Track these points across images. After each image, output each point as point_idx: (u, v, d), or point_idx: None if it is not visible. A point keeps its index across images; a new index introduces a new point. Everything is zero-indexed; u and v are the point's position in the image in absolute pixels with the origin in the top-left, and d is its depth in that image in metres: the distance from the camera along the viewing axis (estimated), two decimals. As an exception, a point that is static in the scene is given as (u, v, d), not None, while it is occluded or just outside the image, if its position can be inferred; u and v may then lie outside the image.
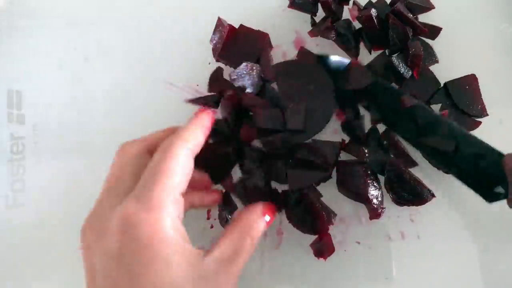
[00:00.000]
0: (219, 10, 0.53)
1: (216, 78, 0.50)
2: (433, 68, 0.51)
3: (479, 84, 0.49)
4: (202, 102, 0.46)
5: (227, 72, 0.49)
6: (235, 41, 0.49)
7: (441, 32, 0.51)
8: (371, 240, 0.48)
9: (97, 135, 0.53)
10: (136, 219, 0.32)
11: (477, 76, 0.49)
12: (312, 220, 0.45)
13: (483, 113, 0.48)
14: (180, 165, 0.36)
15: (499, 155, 0.38)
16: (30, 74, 0.55)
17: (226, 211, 0.47)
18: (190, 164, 0.38)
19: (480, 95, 0.48)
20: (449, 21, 0.52)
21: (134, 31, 0.54)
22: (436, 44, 0.51)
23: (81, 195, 0.51)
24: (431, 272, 0.47)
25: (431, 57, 0.50)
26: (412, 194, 0.44)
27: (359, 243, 0.48)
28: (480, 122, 0.48)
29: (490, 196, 0.39)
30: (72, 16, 0.56)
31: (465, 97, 0.48)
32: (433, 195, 0.44)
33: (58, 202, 0.52)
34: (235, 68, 0.48)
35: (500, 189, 0.38)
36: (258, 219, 0.39)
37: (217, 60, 0.50)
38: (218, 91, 0.47)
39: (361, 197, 0.46)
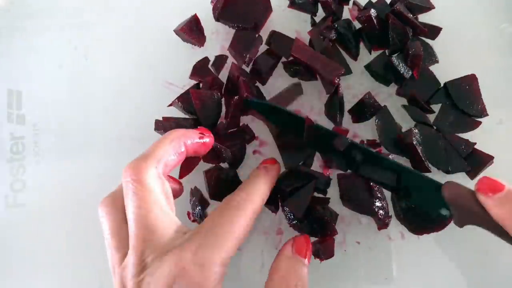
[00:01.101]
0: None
1: (200, 66, 0.51)
2: (433, 68, 0.51)
3: (479, 84, 0.49)
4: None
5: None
6: (236, 2, 0.51)
7: (441, 32, 0.51)
8: (371, 240, 0.48)
9: (97, 135, 0.53)
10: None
11: (477, 76, 0.49)
12: (318, 228, 0.45)
13: (483, 113, 0.48)
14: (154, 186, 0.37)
15: (438, 186, 0.39)
16: (30, 74, 0.55)
17: (200, 207, 0.47)
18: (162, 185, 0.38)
19: (480, 95, 0.48)
20: (449, 21, 0.52)
21: (134, 31, 0.54)
22: (436, 44, 0.51)
23: (81, 195, 0.51)
24: (431, 272, 0.47)
25: (431, 57, 0.50)
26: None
27: (359, 243, 0.48)
28: (480, 122, 0.48)
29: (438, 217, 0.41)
30: (72, 16, 0.56)
31: (465, 97, 0.48)
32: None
33: (58, 202, 0.52)
34: (234, 28, 0.50)
35: (445, 211, 0.39)
36: None
37: (217, 20, 0.51)
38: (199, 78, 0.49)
39: (367, 211, 0.46)
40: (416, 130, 0.46)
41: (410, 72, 0.48)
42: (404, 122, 0.49)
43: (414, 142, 0.45)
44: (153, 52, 0.54)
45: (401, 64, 0.48)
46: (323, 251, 0.45)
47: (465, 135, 0.48)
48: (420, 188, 0.41)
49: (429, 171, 0.45)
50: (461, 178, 0.47)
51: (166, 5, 0.55)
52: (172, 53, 0.53)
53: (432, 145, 0.46)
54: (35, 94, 0.54)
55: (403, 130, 0.48)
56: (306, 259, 0.38)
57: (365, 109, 0.48)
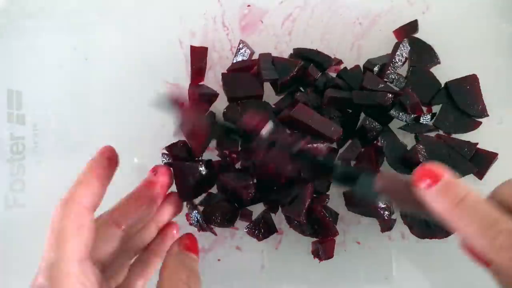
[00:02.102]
0: (222, 13, 0.53)
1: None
2: (434, 68, 0.51)
3: (479, 85, 0.49)
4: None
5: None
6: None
7: (441, 32, 0.51)
8: (371, 240, 0.48)
9: (97, 135, 0.53)
10: None
11: (477, 76, 0.49)
12: (318, 228, 0.46)
13: (483, 113, 0.48)
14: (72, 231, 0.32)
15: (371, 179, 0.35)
16: (30, 74, 0.55)
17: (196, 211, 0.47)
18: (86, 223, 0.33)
19: (481, 95, 0.48)
20: (449, 21, 0.52)
21: (134, 31, 0.54)
22: (437, 45, 0.51)
23: (81, 195, 0.51)
24: (431, 272, 0.47)
25: (433, 58, 0.50)
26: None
27: (359, 243, 0.48)
28: (480, 122, 0.48)
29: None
30: (72, 16, 0.56)
31: (466, 97, 0.48)
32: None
33: (58, 202, 0.51)
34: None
35: (381, 200, 0.39)
36: None
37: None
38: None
39: (372, 213, 0.46)
40: (420, 146, 0.46)
41: (412, 116, 0.48)
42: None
43: (421, 159, 0.45)
44: (153, 52, 0.54)
45: (401, 114, 0.48)
46: (323, 251, 0.45)
47: (466, 136, 0.48)
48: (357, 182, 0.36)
49: None
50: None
51: (166, 5, 0.55)
52: (172, 53, 0.53)
53: (437, 156, 0.46)
54: (35, 94, 0.54)
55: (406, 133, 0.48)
56: (195, 254, 0.38)
57: (367, 133, 0.47)
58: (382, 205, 0.44)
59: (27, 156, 0.53)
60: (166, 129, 0.52)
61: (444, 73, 0.50)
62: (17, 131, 0.54)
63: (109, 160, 0.37)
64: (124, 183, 0.51)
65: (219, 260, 0.50)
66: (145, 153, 0.51)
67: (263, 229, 0.47)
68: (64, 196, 0.34)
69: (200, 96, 0.49)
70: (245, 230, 0.47)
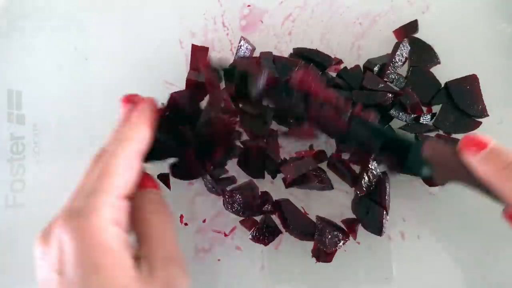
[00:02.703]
0: (222, 13, 0.53)
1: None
2: (434, 68, 0.51)
3: (479, 84, 0.49)
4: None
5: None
6: None
7: (441, 32, 0.51)
8: (371, 240, 0.48)
9: (97, 135, 0.53)
10: (71, 226, 0.31)
11: (477, 76, 0.49)
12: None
13: (483, 113, 0.48)
14: (122, 168, 0.34)
15: (419, 145, 0.37)
16: (30, 74, 0.55)
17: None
18: (135, 165, 0.36)
19: (481, 95, 0.48)
20: (449, 21, 0.52)
21: (134, 31, 0.54)
22: (437, 45, 0.51)
23: (81, 195, 0.51)
24: (431, 272, 0.47)
25: (433, 59, 0.50)
26: None
27: (359, 243, 0.48)
28: (480, 122, 0.48)
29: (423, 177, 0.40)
30: (72, 16, 0.56)
31: (466, 97, 0.48)
32: None
33: (58, 202, 0.51)
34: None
35: (426, 170, 0.37)
36: None
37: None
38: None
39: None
40: None
41: (412, 116, 0.48)
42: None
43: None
44: (153, 52, 0.54)
45: (400, 113, 0.48)
46: (323, 254, 0.46)
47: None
48: (402, 150, 0.38)
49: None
50: None
51: (166, 5, 0.55)
52: (172, 53, 0.53)
53: None
54: (35, 94, 0.54)
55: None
56: (153, 188, 0.38)
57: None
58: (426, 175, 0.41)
59: (27, 156, 0.53)
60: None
61: (444, 73, 0.50)
62: (17, 131, 0.54)
63: (154, 107, 0.39)
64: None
65: (219, 260, 0.50)
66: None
67: (267, 233, 0.47)
68: (118, 135, 0.37)
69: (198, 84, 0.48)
70: (249, 238, 0.47)
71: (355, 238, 0.47)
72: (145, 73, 0.53)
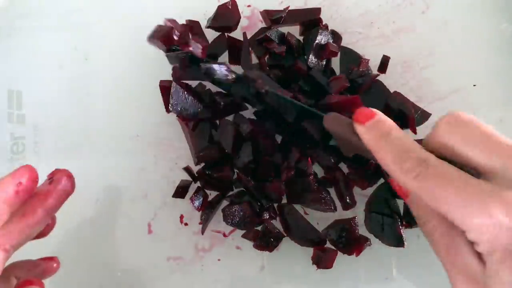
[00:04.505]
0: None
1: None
2: (434, 69, 0.51)
3: (479, 84, 0.49)
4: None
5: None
6: None
7: (441, 32, 0.51)
8: (371, 240, 0.48)
9: (97, 135, 0.53)
10: None
11: (476, 76, 0.49)
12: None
13: (425, 118, 0.49)
14: None
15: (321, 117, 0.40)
16: (30, 74, 0.55)
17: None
18: None
19: (411, 103, 0.48)
20: (449, 21, 0.52)
21: (134, 31, 0.54)
22: (437, 45, 0.51)
23: (80, 195, 0.51)
24: (431, 272, 0.47)
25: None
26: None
27: (359, 243, 0.48)
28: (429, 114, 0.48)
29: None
30: (72, 16, 0.56)
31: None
32: None
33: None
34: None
35: (333, 141, 0.40)
36: None
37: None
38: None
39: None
40: None
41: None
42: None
43: None
44: (153, 52, 0.54)
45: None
46: (324, 260, 0.46)
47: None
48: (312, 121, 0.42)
49: None
50: None
51: (166, 4, 0.55)
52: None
53: None
54: (35, 94, 0.54)
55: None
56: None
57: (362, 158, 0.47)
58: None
59: (27, 156, 0.53)
60: (167, 129, 0.52)
61: (444, 73, 0.50)
62: (17, 131, 0.54)
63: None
64: (127, 183, 0.51)
65: (219, 260, 0.50)
66: (146, 153, 0.51)
67: (272, 239, 0.47)
68: None
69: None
70: (253, 247, 0.47)
71: (357, 255, 0.47)
72: (145, 73, 0.53)
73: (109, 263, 0.50)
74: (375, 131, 0.32)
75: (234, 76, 0.45)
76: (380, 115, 0.34)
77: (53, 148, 0.53)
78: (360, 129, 0.33)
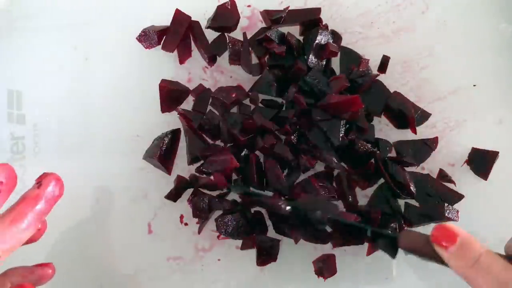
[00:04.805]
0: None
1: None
2: (434, 68, 0.51)
3: (479, 84, 0.49)
4: None
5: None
6: None
7: (441, 32, 0.51)
8: (371, 240, 0.48)
9: (97, 135, 0.53)
10: None
11: (476, 76, 0.49)
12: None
13: (427, 117, 0.49)
14: None
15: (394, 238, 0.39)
16: (30, 74, 0.55)
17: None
18: None
19: (411, 103, 0.48)
20: (449, 21, 0.52)
21: (134, 31, 0.54)
22: (437, 44, 0.51)
23: (81, 195, 0.51)
24: (431, 272, 0.47)
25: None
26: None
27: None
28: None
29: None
30: (72, 16, 0.56)
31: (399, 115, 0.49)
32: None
33: (57, 202, 0.51)
34: None
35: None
36: None
37: None
38: None
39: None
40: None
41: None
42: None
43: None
44: (153, 52, 0.54)
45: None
46: (326, 268, 0.46)
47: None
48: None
49: None
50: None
51: (166, 4, 0.55)
52: (172, 53, 0.53)
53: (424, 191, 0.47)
54: (35, 94, 0.54)
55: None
56: None
57: (363, 158, 0.48)
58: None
59: (27, 156, 0.53)
60: (167, 129, 0.52)
61: (444, 73, 0.50)
62: (17, 131, 0.54)
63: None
64: (127, 183, 0.51)
65: (219, 260, 0.50)
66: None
67: (273, 250, 0.47)
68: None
69: (170, 92, 0.50)
70: (257, 265, 0.47)
71: (368, 255, 0.47)
72: (145, 73, 0.53)
73: (109, 263, 0.50)
74: (463, 259, 0.31)
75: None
76: (462, 236, 0.32)
77: (53, 148, 0.53)
78: (444, 254, 0.32)
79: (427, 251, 0.34)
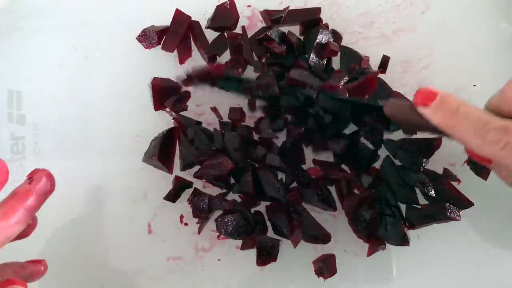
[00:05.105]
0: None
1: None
2: (434, 68, 0.51)
3: (479, 84, 0.49)
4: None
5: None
6: None
7: (441, 32, 0.51)
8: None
9: (97, 135, 0.53)
10: None
11: (476, 76, 0.49)
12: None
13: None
14: None
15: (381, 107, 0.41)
16: (30, 74, 0.55)
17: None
18: None
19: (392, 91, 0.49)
20: (449, 21, 0.52)
21: (134, 31, 0.54)
22: (437, 44, 0.51)
23: (81, 195, 0.51)
24: (431, 272, 0.47)
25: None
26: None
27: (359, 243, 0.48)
28: None
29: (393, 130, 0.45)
30: (72, 16, 0.56)
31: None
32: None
33: (57, 202, 0.51)
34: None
35: (393, 126, 0.43)
36: None
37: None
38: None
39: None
40: None
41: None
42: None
43: None
44: (153, 52, 0.54)
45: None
46: (326, 268, 0.46)
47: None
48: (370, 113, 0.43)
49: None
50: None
51: (166, 4, 0.55)
52: (172, 53, 0.53)
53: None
54: (35, 94, 0.54)
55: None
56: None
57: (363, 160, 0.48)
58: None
59: (27, 156, 0.53)
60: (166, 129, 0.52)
61: (444, 73, 0.50)
62: (17, 131, 0.54)
63: None
64: (127, 183, 0.51)
65: (219, 260, 0.50)
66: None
67: (269, 252, 0.47)
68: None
69: (163, 90, 0.50)
70: (257, 265, 0.47)
71: (368, 256, 0.47)
72: (146, 73, 0.53)
73: (109, 263, 0.50)
74: (443, 111, 0.33)
75: (277, 90, 0.46)
76: (441, 93, 0.33)
77: (53, 148, 0.53)
78: (425, 111, 0.34)
79: (411, 117, 0.36)
